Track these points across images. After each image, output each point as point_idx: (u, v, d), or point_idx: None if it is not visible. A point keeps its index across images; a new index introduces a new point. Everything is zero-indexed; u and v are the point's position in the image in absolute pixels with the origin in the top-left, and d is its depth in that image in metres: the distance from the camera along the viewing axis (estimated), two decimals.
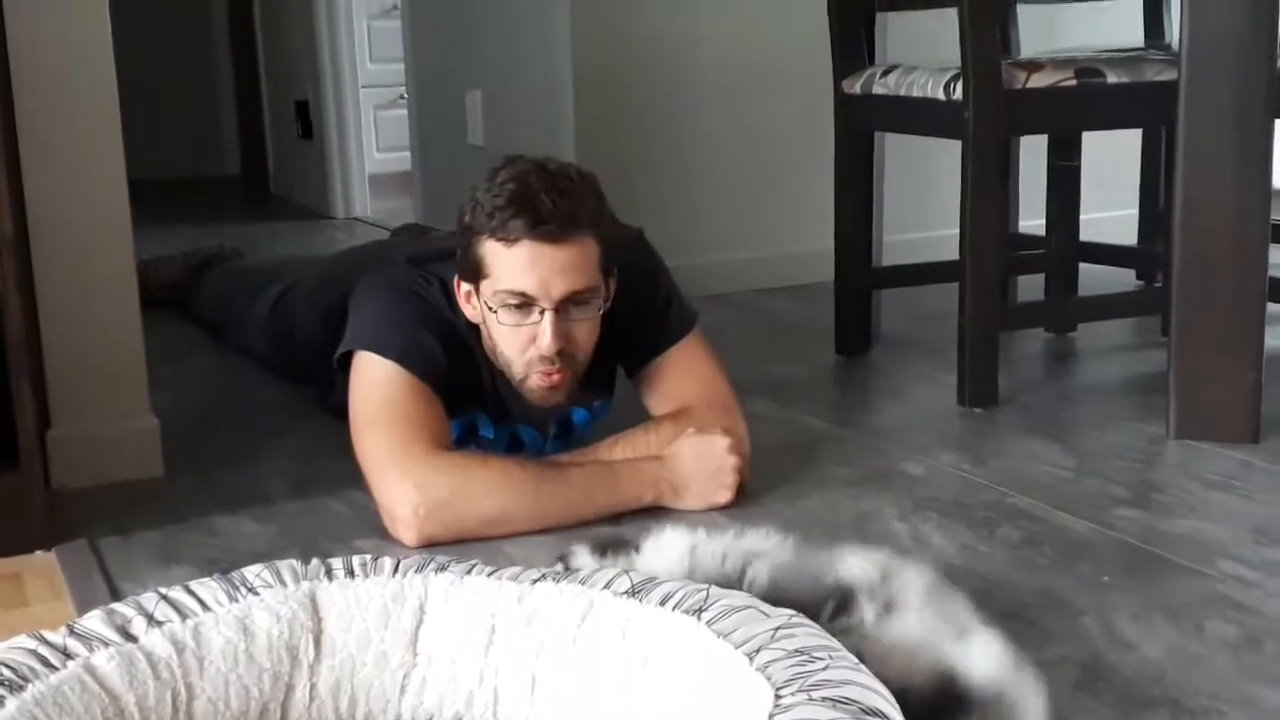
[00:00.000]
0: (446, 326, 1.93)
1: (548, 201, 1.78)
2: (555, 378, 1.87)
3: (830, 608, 1.25)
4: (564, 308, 1.83)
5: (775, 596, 1.28)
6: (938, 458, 2.15)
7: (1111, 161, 3.15)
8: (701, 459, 1.89)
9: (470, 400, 1.96)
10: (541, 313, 1.82)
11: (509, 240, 1.80)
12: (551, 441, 2.05)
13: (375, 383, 1.87)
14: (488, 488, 1.80)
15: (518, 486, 1.81)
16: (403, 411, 1.84)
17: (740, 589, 1.32)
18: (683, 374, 2.01)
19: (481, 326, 1.91)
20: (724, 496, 1.89)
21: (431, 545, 1.75)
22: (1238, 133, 2.08)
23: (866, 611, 1.24)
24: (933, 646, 1.21)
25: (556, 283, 1.81)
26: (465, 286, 1.89)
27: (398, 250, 2.48)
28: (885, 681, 1.16)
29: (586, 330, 1.88)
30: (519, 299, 1.82)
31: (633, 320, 1.99)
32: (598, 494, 1.85)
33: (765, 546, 1.40)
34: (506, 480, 1.82)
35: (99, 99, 2.04)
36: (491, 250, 1.82)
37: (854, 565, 1.30)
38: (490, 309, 1.85)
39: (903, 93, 2.49)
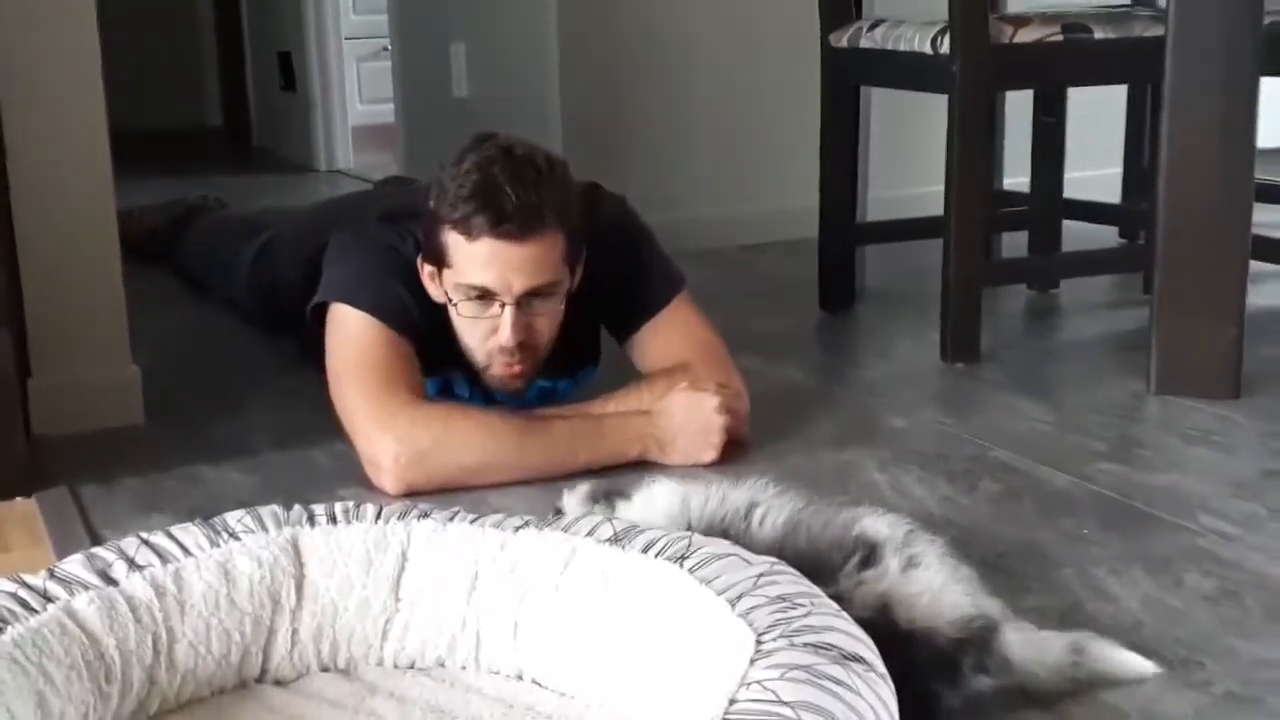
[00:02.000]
0: (420, 281, 1.92)
1: (511, 196, 1.76)
2: (516, 368, 1.88)
3: (857, 559, 1.26)
4: (525, 301, 1.82)
5: (795, 544, 1.29)
6: (920, 412, 2.16)
7: (1096, 119, 3.15)
8: (690, 416, 1.88)
9: (445, 357, 1.96)
10: (502, 306, 1.82)
11: (470, 235, 1.78)
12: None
13: (350, 335, 1.87)
14: (468, 438, 1.80)
15: (498, 438, 1.81)
16: (378, 363, 1.83)
17: (746, 534, 1.32)
18: (673, 337, 2.00)
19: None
20: (709, 455, 1.88)
21: (414, 494, 1.75)
22: (1224, 90, 2.08)
23: (891, 563, 1.25)
24: (955, 592, 1.23)
25: (517, 279, 1.80)
26: (429, 267, 1.88)
27: (381, 202, 2.47)
28: (912, 621, 1.19)
29: (547, 322, 1.87)
30: (479, 292, 1.81)
31: (617, 288, 1.98)
32: (581, 448, 1.84)
33: (765, 495, 1.40)
34: (487, 431, 1.81)
35: (80, 49, 2.02)
36: (454, 241, 1.80)
37: (879, 523, 1.31)
38: (451, 300, 1.85)
39: (889, 46, 2.48)
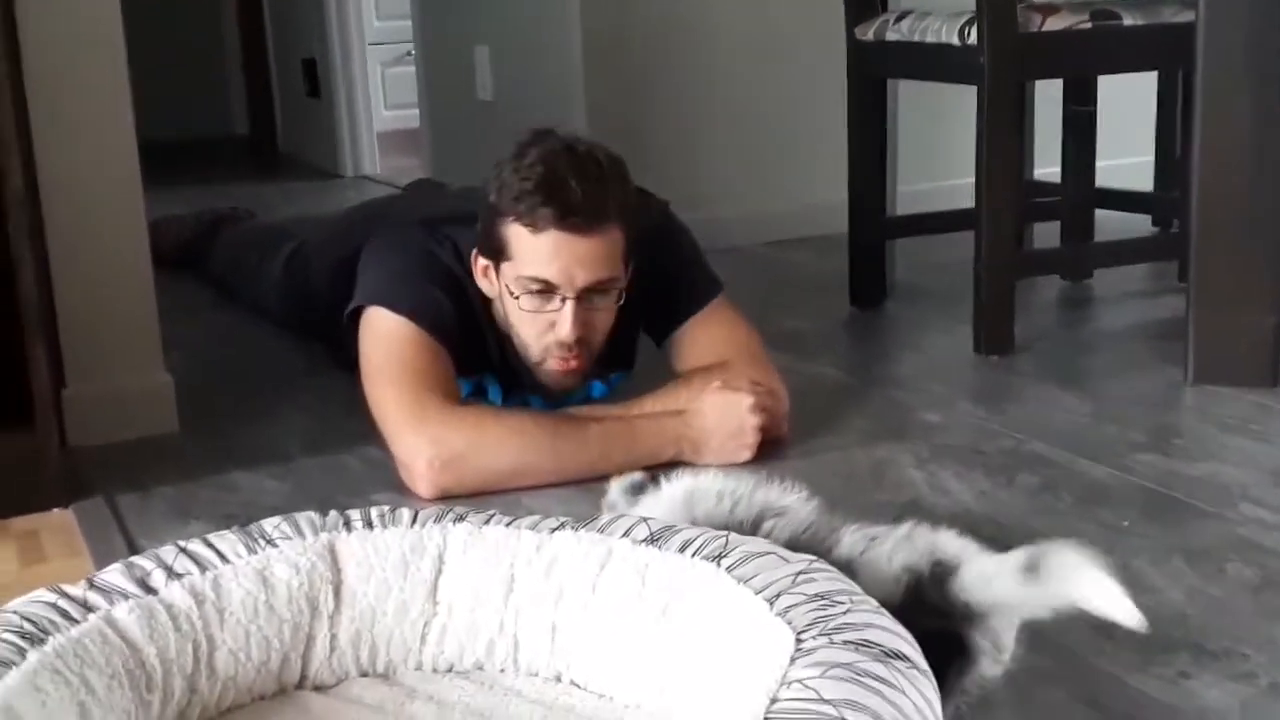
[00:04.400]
0: (457, 286, 1.92)
1: (577, 190, 1.77)
2: (573, 364, 1.87)
3: None
4: (585, 296, 1.82)
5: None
6: (955, 406, 2.14)
7: (1127, 107, 3.12)
8: (723, 416, 1.87)
9: (477, 362, 1.96)
10: (563, 300, 1.82)
11: (536, 228, 1.78)
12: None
13: (385, 337, 1.87)
14: (502, 442, 1.80)
15: (533, 441, 1.81)
16: (413, 365, 1.84)
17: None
18: (711, 337, 1.99)
19: (496, 302, 1.91)
20: (744, 456, 1.87)
21: (446, 498, 1.75)
22: (1256, 74, 2.06)
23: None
24: (892, 560, 1.21)
25: (580, 273, 1.80)
26: (484, 261, 1.88)
27: (410, 206, 2.47)
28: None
29: (605, 318, 1.88)
30: (541, 285, 1.81)
31: (657, 289, 1.98)
32: (614, 450, 1.83)
33: (787, 502, 1.39)
34: (520, 435, 1.81)
35: (107, 57, 2.03)
36: (516, 234, 1.80)
37: (847, 539, 1.29)
38: (511, 293, 1.84)
39: (916, 38, 2.47)
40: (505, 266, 1.84)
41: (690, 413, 1.87)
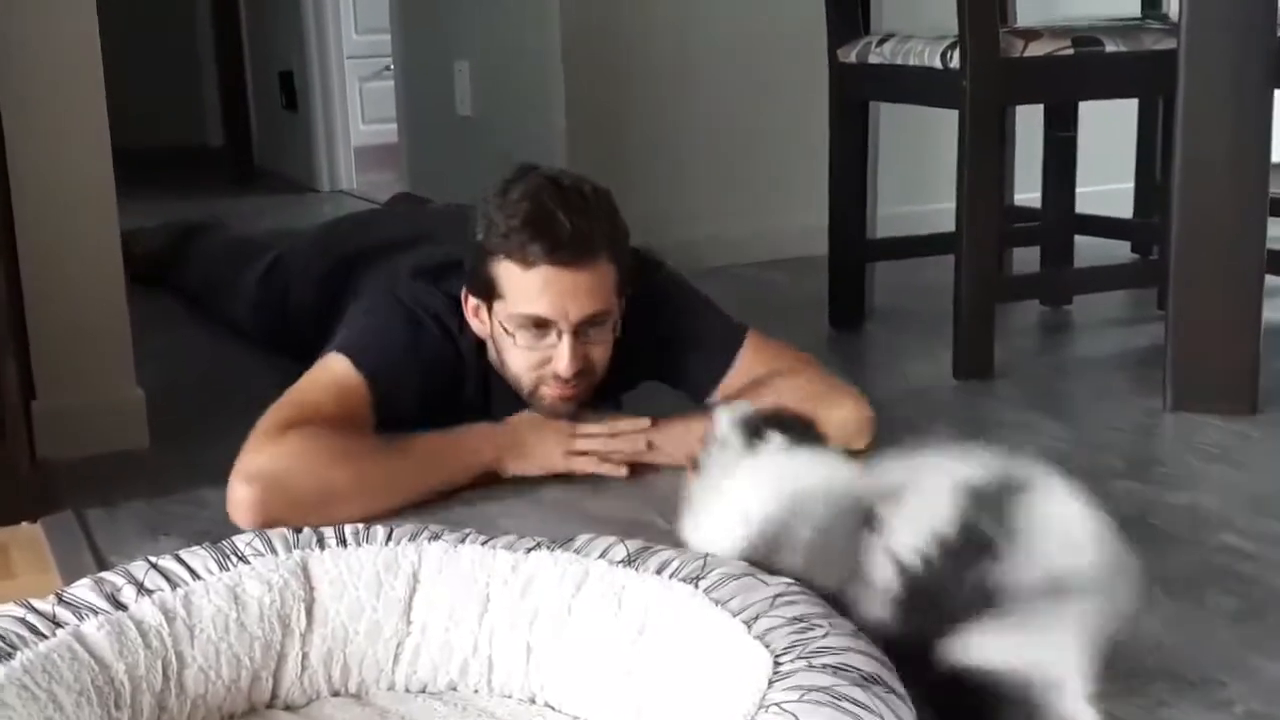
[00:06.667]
0: (439, 359, 1.89)
1: (565, 224, 1.75)
2: (570, 392, 1.86)
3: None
4: (581, 330, 1.81)
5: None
6: (933, 430, 2.14)
7: (1107, 134, 3.13)
8: (532, 425, 1.86)
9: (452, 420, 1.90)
10: (559, 335, 1.80)
11: (526, 264, 1.77)
12: None
13: (329, 375, 1.83)
14: (313, 463, 1.71)
15: (347, 461, 1.73)
16: (327, 407, 1.77)
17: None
18: (762, 369, 1.96)
19: (488, 342, 1.89)
20: (563, 466, 1.86)
21: (266, 525, 1.61)
22: (1236, 103, 2.07)
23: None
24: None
25: (574, 306, 1.78)
26: (474, 301, 1.86)
27: (394, 225, 2.45)
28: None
29: (601, 350, 1.86)
30: (536, 321, 1.80)
31: (678, 349, 1.95)
32: (432, 464, 1.80)
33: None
34: (343, 456, 1.73)
35: (82, 67, 2.01)
36: (507, 271, 1.79)
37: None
38: (505, 330, 1.82)
39: (899, 61, 2.47)
40: (498, 305, 1.82)
41: (505, 421, 1.86)
